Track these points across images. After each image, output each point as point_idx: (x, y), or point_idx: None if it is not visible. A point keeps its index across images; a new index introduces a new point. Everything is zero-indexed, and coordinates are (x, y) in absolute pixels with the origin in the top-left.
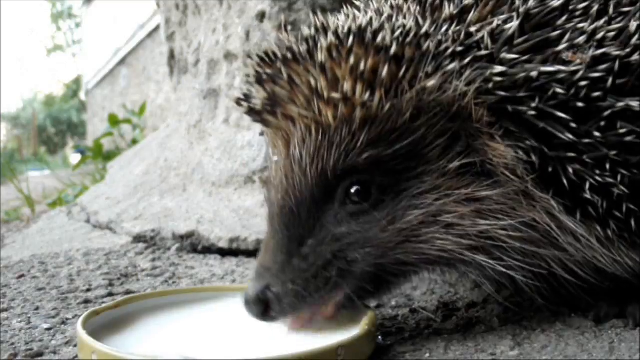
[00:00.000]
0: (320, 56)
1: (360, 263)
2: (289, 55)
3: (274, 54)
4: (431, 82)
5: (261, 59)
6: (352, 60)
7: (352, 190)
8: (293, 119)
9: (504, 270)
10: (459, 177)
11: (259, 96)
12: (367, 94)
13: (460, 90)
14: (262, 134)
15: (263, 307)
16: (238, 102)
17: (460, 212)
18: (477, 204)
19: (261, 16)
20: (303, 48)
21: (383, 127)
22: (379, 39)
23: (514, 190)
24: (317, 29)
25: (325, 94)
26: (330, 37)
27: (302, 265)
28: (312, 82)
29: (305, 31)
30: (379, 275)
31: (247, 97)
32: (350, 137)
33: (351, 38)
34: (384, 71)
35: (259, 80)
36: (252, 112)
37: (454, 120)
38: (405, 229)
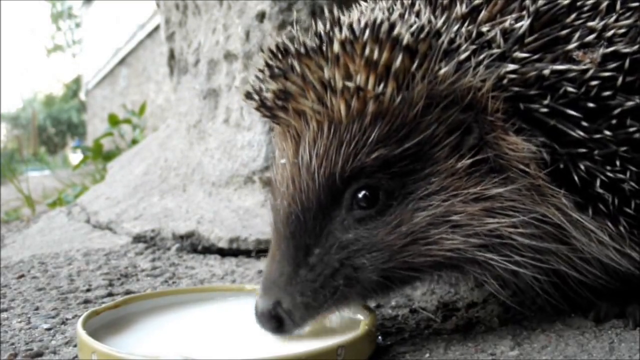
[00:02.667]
0: (334, 50)
1: (367, 269)
2: (302, 50)
3: (286, 49)
4: (443, 70)
5: (273, 53)
6: (366, 53)
7: (360, 196)
8: (305, 114)
9: (513, 267)
10: (467, 176)
11: (270, 90)
12: (381, 86)
13: (475, 83)
14: (271, 129)
15: (276, 323)
16: (248, 95)
17: (469, 212)
18: (486, 202)
19: (261, 16)
20: (316, 43)
21: (394, 122)
22: (394, 33)
23: (525, 186)
24: (331, 24)
25: (339, 86)
26: (345, 31)
27: (310, 276)
28: (325, 75)
29: (319, 26)
30: (385, 280)
31: (257, 92)
32: (360, 134)
33: (367, 33)
34: (397, 64)
35: (272, 74)
36: (262, 107)
37: (466, 111)
38: (413, 231)
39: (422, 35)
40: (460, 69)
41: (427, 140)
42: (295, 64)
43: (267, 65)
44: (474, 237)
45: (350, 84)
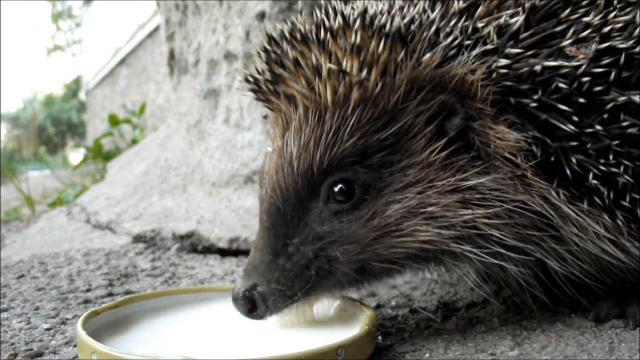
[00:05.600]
0: (324, 37)
1: (340, 261)
2: (297, 36)
3: (283, 35)
4: (428, 55)
5: (272, 38)
6: (354, 41)
7: (335, 189)
8: (294, 98)
9: (492, 260)
10: (443, 168)
11: (265, 73)
12: (365, 72)
13: (463, 72)
14: (265, 117)
15: (249, 305)
16: (246, 79)
17: (443, 203)
18: (463, 193)
19: (261, 16)
20: (312, 30)
21: (375, 108)
22: (382, 21)
23: (508, 176)
24: (325, 12)
25: (325, 72)
26: (339, 19)
27: (287, 265)
28: (315, 61)
29: (317, 15)
30: (361, 271)
31: (254, 76)
32: (342, 122)
33: (358, 22)
34: (384, 51)
35: (268, 59)
36: (258, 91)
37: (451, 94)
38: (386, 224)
39: (412, 27)
40: (447, 56)
41: (407, 129)
42: (289, 49)
43: (265, 50)
44: (449, 228)
45: (334, 67)
